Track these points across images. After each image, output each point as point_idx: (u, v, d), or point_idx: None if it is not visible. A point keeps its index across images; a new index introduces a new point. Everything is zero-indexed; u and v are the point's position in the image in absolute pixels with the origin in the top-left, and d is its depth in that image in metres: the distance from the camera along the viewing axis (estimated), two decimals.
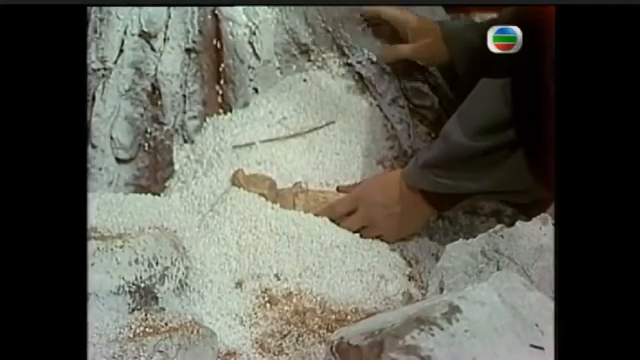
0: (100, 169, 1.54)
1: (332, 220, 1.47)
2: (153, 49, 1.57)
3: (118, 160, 1.55)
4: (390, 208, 1.45)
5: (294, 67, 1.65)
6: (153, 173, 1.57)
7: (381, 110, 1.65)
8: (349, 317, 1.30)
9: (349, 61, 1.65)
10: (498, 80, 1.35)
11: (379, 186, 1.48)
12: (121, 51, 1.55)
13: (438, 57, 1.56)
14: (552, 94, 1.04)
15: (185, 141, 1.60)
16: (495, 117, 1.35)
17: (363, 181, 1.52)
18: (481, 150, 1.36)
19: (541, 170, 1.32)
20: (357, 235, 1.46)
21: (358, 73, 1.65)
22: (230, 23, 1.60)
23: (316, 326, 1.28)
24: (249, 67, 1.62)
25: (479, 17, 1.68)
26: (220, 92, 1.62)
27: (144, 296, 1.21)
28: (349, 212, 1.46)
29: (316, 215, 1.46)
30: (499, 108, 1.35)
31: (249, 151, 1.54)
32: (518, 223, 1.14)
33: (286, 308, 1.31)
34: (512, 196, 1.40)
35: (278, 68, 1.64)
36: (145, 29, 1.56)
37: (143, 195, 1.50)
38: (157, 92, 1.57)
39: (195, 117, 1.60)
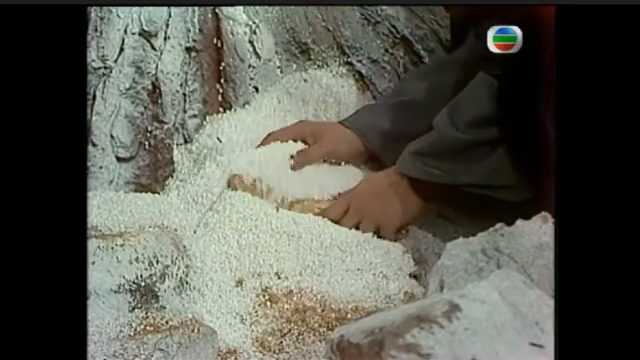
0: (100, 168, 1.54)
1: None
2: (154, 48, 1.57)
3: (118, 159, 1.55)
4: (381, 195, 1.47)
5: (294, 66, 1.65)
6: (153, 172, 1.57)
7: None
8: (349, 315, 1.30)
9: (349, 60, 1.65)
10: (487, 76, 1.38)
11: (369, 180, 1.51)
12: (122, 50, 1.56)
13: (352, 147, 1.55)
14: (550, 95, 1.05)
15: (185, 140, 1.60)
16: (482, 112, 1.39)
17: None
18: (468, 142, 1.41)
19: (526, 168, 1.35)
20: (358, 233, 1.46)
21: (358, 72, 1.65)
22: (231, 22, 1.60)
23: (316, 324, 1.28)
24: (249, 66, 1.62)
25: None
26: (220, 91, 1.62)
27: (145, 294, 1.21)
28: (344, 212, 1.47)
29: None
30: (485, 104, 1.39)
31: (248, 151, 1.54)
32: (518, 221, 1.14)
33: (286, 306, 1.31)
34: (500, 192, 1.42)
35: (278, 67, 1.65)
36: (146, 28, 1.56)
37: (143, 194, 1.50)
38: (157, 91, 1.57)
39: (195, 116, 1.61)
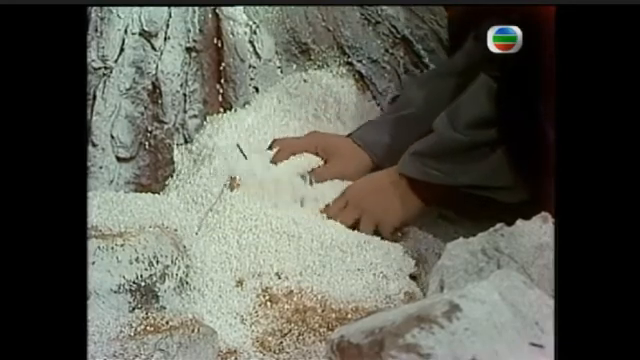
0: (101, 168, 1.54)
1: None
2: (154, 48, 1.57)
3: (119, 159, 1.55)
4: (380, 193, 1.47)
5: (294, 66, 1.65)
6: (153, 172, 1.57)
7: (382, 109, 1.66)
8: (349, 316, 1.30)
9: (349, 60, 1.65)
10: (487, 77, 1.39)
11: (370, 177, 1.52)
12: (122, 50, 1.55)
13: (361, 166, 1.56)
14: (550, 95, 1.05)
15: (185, 140, 1.60)
16: (481, 113, 1.40)
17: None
18: (467, 143, 1.43)
19: (525, 168, 1.36)
20: (358, 233, 1.46)
21: (359, 72, 1.65)
22: (231, 22, 1.60)
23: (316, 325, 1.28)
24: (250, 66, 1.62)
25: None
26: (221, 91, 1.62)
27: (145, 294, 1.21)
28: (342, 207, 1.47)
29: None
30: (484, 105, 1.40)
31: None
32: (519, 222, 1.15)
33: (287, 307, 1.31)
34: (498, 193, 1.43)
35: (279, 67, 1.65)
36: (146, 28, 1.56)
37: (143, 194, 1.50)
38: (158, 91, 1.57)
39: (195, 116, 1.61)
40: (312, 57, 1.65)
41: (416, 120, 1.52)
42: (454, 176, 1.44)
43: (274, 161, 1.53)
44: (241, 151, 1.53)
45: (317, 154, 1.55)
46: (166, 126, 1.58)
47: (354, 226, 1.47)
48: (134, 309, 1.20)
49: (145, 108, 1.57)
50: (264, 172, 1.50)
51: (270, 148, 1.55)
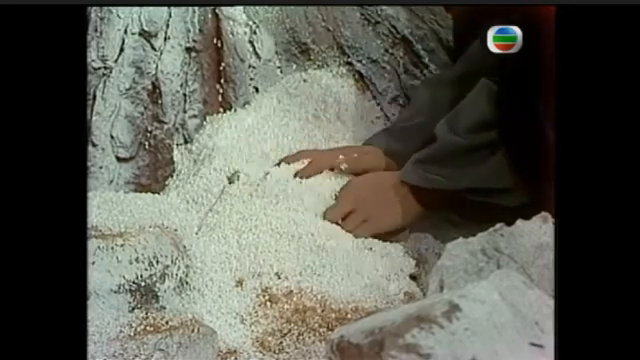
0: (100, 168, 1.54)
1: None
2: (154, 48, 1.57)
3: (118, 159, 1.55)
4: (380, 192, 1.47)
5: (294, 66, 1.65)
6: (153, 172, 1.57)
7: (382, 109, 1.66)
8: (349, 316, 1.30)
9: (349, 60, 1.65)
10: (488, 81, 1.39)
11: (374, 174, 1.51)
12: (122, 50, 1.56)
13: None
14: (550, 96, 1.05)
15: (185, 140, 1.60)
16: (481, 117, 1.41)
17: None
18: (467, 147, 1.42)
19: (525, 170, 1.36)
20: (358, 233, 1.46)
21: (358, 72, 1.65)
22: (231, 22, 1.60)
23: (316, 325, 1.28)
24: (249, 66, 1.62)
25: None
26: (220, 91, 1.62)
27: (145, 295, 1.21)
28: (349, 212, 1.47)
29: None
30: (484, 108, 1.41)
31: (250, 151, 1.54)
32: (518, 222, 1.14)
33: (286, 307, 1.31)
34: (498, 197, 1.42)
35: (278, 67, 1.65)
36: (146, 28, 1.56)
37: (143, 194, 1.50)
38: (157, 91, 1.57)
39: (195, 116, 1.61)
40: (312, 57, 1.65)
41: (424, 129, 1.52)
42: (455, 180, 1.43)
43: (302, 175, 1.52)
44: (267, 173, 1.52)
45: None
46: (166, 126, 1.58)
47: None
48: (134, 309, 1.20)
49: (145, 108, 1.57)
50: (290, 182, 1.50)
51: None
